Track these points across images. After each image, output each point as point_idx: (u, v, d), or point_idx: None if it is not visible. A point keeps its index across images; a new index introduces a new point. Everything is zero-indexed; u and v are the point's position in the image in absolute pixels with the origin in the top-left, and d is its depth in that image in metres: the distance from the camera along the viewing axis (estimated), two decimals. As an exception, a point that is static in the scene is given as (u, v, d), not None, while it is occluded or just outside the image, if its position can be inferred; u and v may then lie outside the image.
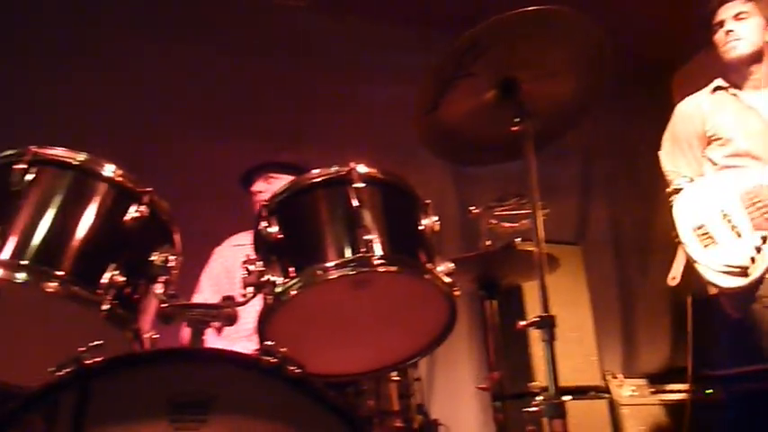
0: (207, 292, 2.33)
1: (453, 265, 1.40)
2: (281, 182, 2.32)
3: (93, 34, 2.91)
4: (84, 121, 2.71)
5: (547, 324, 1.50)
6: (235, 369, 1.07)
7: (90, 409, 0.97)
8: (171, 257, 1.38)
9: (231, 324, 1.38)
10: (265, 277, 1.34)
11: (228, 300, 1.36)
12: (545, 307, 1.52)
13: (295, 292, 1.30)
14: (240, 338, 2.12)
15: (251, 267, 1.38)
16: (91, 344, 1.01)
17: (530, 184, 1.63)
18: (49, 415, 0.97)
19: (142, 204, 1.34)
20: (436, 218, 1.50)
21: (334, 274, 1.29)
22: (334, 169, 1.43)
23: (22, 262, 1.20)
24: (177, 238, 1.45)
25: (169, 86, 2.98)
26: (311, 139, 3.12)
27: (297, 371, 1.07)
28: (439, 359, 3.38)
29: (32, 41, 2.82)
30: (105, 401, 1.00)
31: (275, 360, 1.06)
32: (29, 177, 1.26)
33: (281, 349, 1.08)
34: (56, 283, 1.19)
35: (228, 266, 2.36)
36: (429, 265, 1.40)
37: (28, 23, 2.83)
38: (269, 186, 2.33)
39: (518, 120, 1.68)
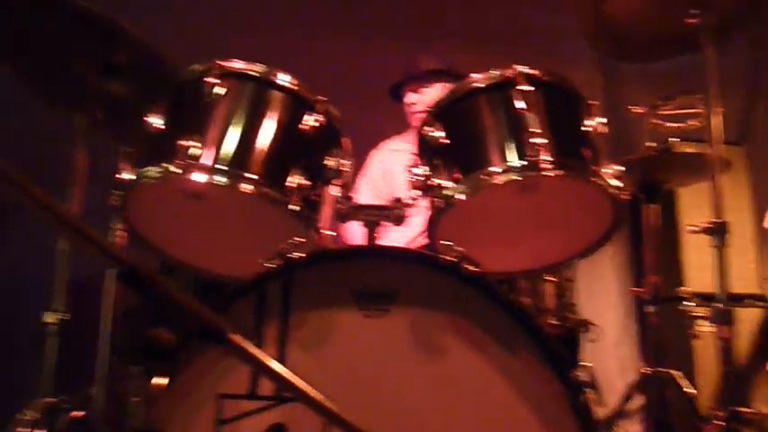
0: (365, 194, 2.46)
1: (624, 168, 1.37)
2: (431, 91, 2.35)
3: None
4: (228, 28, 2.79)
5: (719, 230, 1.45)
6: (416, 265, 1.16)
7: (293, 296, 1.11)
8: (343, 161, 1.48)
9: (399, 224, 1.47)
10: (432, 181, 1.40)
11: (398, 201, 1.44)
12: (717, 212, 1.47)
13: (462, 197, 1.34)
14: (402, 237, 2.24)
15: (416, 171, 1.44)
16: (292, 240, 1.13)
17: (707, 82, 1.52)
18: (259, 301, 1.12)
19: (317, 113, 1.43)
20: (603, 119, 1.46)
21: (501, 179, 1.32)
22: (497, 73, 1.42)
23: (220, 167, 1.34)
24: (347, 143, 1.54)
25: None
26: (449, 36, 3.05)
27: (473, 268, 1.13)
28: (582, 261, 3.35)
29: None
30: (306, 291, 1.13)
31: (453, 258, 1.13)
32: (218, 90, 1.39)
33: (458, 248, 1.15)
34: (250, 186, 1.33)
35: (386, 170, 2.44)
36: (596, 169, 1.38)
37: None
38: (420, 97, 2.35)
39: (695, 11, 1.55)
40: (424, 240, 1.56)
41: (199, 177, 1.31)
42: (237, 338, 0.64)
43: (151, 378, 0.66)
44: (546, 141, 1.33)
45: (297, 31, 2.76)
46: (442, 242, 1.18)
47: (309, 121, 1.41)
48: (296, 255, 1.12)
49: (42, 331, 1.64)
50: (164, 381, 0.72)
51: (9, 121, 2.28)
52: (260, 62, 1.47)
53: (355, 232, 2.24)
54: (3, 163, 0.57)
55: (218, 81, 1.38)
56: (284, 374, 0.69)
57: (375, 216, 1.42)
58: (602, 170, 1.39)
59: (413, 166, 1.46)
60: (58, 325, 1.60)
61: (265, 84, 1.44)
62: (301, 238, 1.26)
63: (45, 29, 1.59)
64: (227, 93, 1.39)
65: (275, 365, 0.68)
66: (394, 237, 2.21)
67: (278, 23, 2.77)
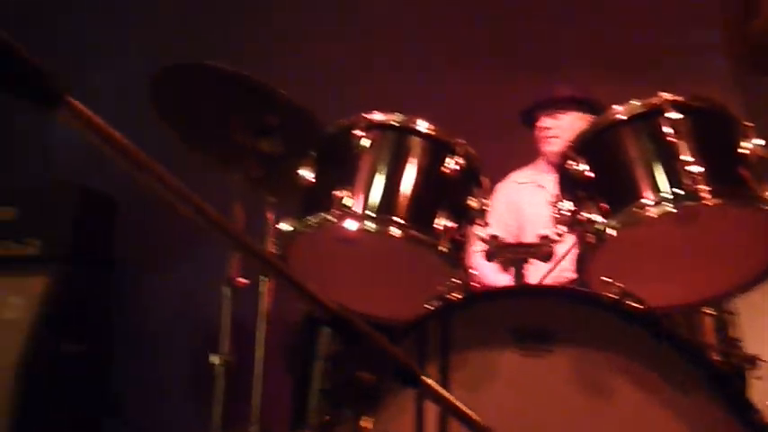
0: (494, 228, 2.45)
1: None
2: (567, 118, 2.32)
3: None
4: (355, 75, 2.92)
5: None
6: (575, 303, 1.15)
7: (452, 336, 1.13)
8: (484, 201, 1.50)
9: (547, 261, 1.46)
10: (582, 216, 1.39)
11: (545, 238, 1.44)
12: None
13: (614, 231, 1.32)
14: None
15: (562, 206, 1.43)
16: (446, 281, 1.16)
17: None
18: (420, 343, 1.15)
19: (457, 155, 1.47)
20: (761, 141, 1.38)
21: (656, 212, 1.28)
22: (641, 102, 1.39)
23: (369, 213, 1.41)
24: (486, 182, 1.56)
25: (430, 21, 3.03)
26: (577, 62, 3.00)
27: (636, 305, 1.10)
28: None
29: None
30: (464, 330, 1.15)
31: (614, 295, 1.11)
32: (365, 142, 1.47)
33: (618, 284, 1.12)
34: (399, 230, 1.39)
35: (512, 203, 2.44)
36: (760, 194, 1.30)
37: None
38: (556, 122, 2.33)
39: None
40: (569, 275, 1.54)
41: (351, 225, 1.39)
42: (430, 381, 0.67)
43: (359, 420, 0.71)
44: (701, 169, 1.28)
45: (425, 71, 2.84)
46: (601, 278, 1.15)
47: (450, 163, 1.46)
48: (453, 295, 1.15)
49: (209, 372, 1.78)
50: (370, 422, 0.76)
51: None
52: (398, 108, 1.55)
53: (491, 270, 2.24)
54: (200, 202, 0.64)
55: (364, 133, 1.47)
56: (472, 416, 0.71)
57: (523, 254, 1.43)
58: (766, 195, 1.30)
59: (557, 201, 1.46)
60: (224, 366, 1.73)
61: (406, 132, 1.51)
62: (452, 279, 1.29)
63: (208, 96, 1.77)
64: (372, 143, 1.48)
65: (463, 407, 0.70)
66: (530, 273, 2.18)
67: (407, 67, 2.87)
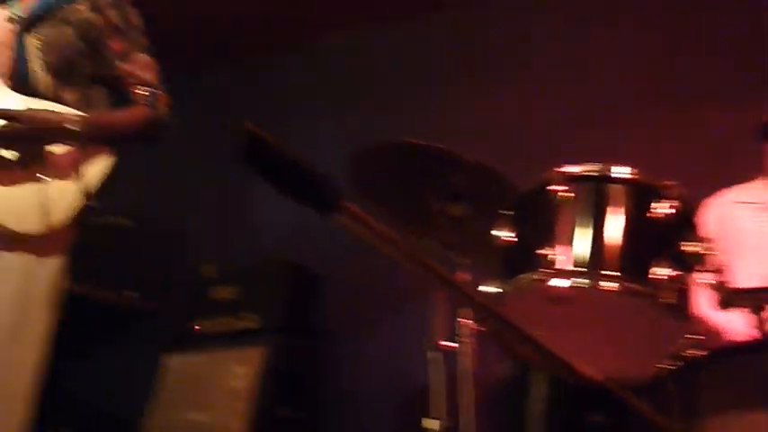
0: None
1: None
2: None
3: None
4: (538, 130, 2.88)
5: None
6: None
7: (700, 397, 1.04)
8: (706, 245, 1.38)
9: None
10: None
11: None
12: None
13: None
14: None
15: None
16: (687, 337, 1.08)
17: None
18: (660, 405, 1.07)
19: (667, 198, 1.38)
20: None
21: None
22: None
23: (579, 269, 1.37)
24: (701, 223, 1.45)
25: (614, 65, 2.90)
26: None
27: None
28: None
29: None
30: (709, 391, 1.05)
31: None
32: (563, 195, 1.44)
33: None
34: (613, 283, 1.32)
35: (728, 225, 2.18)
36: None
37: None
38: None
39: None
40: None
41: (561, 282, 1.36)
42: None
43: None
44: None
45: (610, 115, 2.73)
46: None
47: (662, 207, 1.38)
48: (692, 352, 1.06)
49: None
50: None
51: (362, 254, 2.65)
52: (585, 158, 1.51)
53: (725, 320, 2.03)
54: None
55: (562, 187, 1.44)
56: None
57: (761, 299, 1.29)
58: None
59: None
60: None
61: (606, 180, 1.46)
62: (684, 334, 1.19)
63: (400, 169, 1.87)
64: (571, 197, 1.44)
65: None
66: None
67: (586, 115, 2.79)
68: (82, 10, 1.61)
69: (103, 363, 3.12)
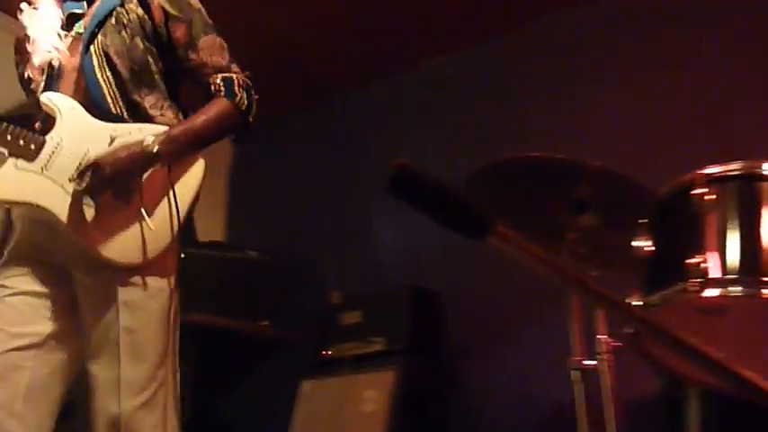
0: None
1: None
2: None
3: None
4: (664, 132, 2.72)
5: None
6: None
7: None
8: None
9: None
10: None
11: None
12: None
13: None
14: None
15: None
16: None
17: None
18: None
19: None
20: None
21: None
22: None
23: (731, 276, 1.26)
24: None
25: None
26: None
27: None
28: None
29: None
30: None
31: None
32: (708, 198, 1.34)
33: None
34: (774, 291, 1.21)
35: None
36: None
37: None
38: None
39: None
40: None
41: (713, 292, 1.26)
42: None
43: None
44: None
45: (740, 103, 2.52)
46: None
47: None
48: None
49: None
50: None
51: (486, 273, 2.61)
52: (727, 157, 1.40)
53: None
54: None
55: (705, 190, 1.35)
56: None
57: None
58: None
59: None
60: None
61: (754, 179, 1.35)
62: None
63: (521, 185, 1.83)
64: (715, 199, 1.34)
65: None
66: None
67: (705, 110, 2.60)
68: (133, 8, 1.54)
69: (246, 392, 3.29)
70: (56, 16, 1.57)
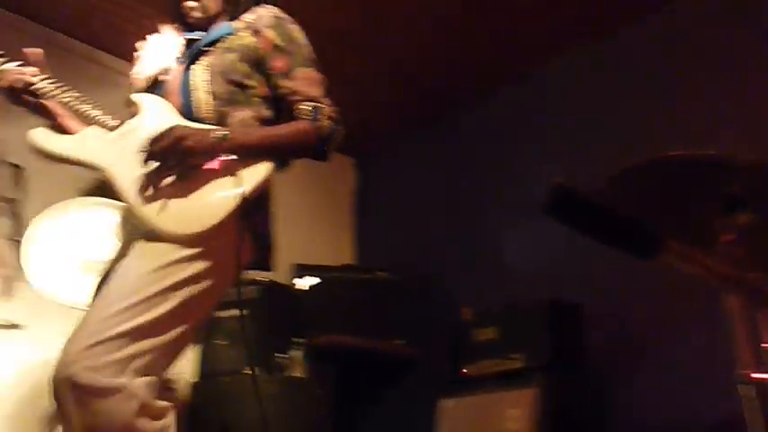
0: None
1: None
2: None
3: None
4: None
5: None
6: None
7: None
8: None
9: None
10: None
11: None
12: None
13: None
14: None
15: None
16: None
17: None
18: None
19: None
20: None
21: None
22: None
23: None
24: None
25: None
26: None
27: None
28: None
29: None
30: None
31: None
32: None
33: None
34: None
35: None
36: None
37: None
38: None
39: None
40: None
41: None
42: None
43: None
44: None
45: None
46: None
47: None
48: None
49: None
50: None
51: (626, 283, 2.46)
52: None
53: None
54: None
55: None
56: None
57: None
58: None
59: None
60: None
61: None
62: None
63: (670, 187, 1.70)
64: None
65: None
66: None
67: None
68: (243, 36, 1.61)
69: (384, 411, 3.34)
70: (175, 43, 1.69)
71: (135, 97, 1.58)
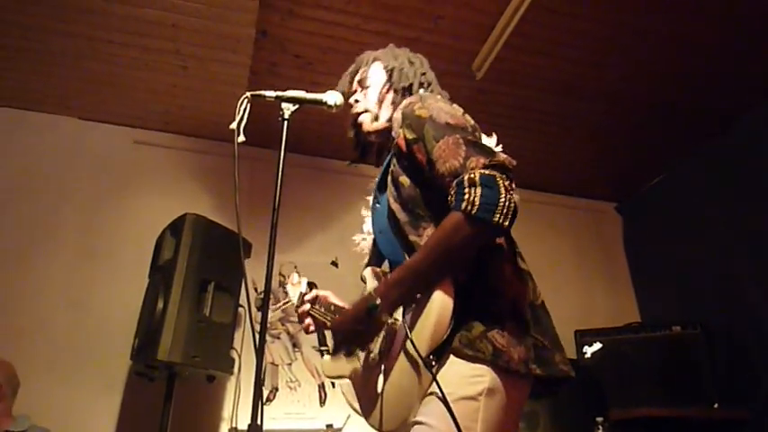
0: None
1: None
2: None
3: None
4: None
5: None
6: None
7: None
8: None
9: None
10: None
11: None
12: None
13: None
14: None
15: None
16: None
17: None
18: None
19: None
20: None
21: None
22: None
23: None
24: None
25: None
26: None
27: None
28: None
29: None
30: None
31: None
32: None
33: None
34: None
35: None
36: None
37: None
38: None
39: None
40: None
41: None
42: None
43: None
44: None
45: None
46: None
47: None
48: None
49: None
50: None
51: None
52: None
53: None
54: None
55: None
56: None
57: None
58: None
59: None
60: None
61: None
62: None
63: None
64: None
65: None
66: None
67: None
68: (393, 152, 1.48)
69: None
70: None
71: (365, 273, 1.55)
